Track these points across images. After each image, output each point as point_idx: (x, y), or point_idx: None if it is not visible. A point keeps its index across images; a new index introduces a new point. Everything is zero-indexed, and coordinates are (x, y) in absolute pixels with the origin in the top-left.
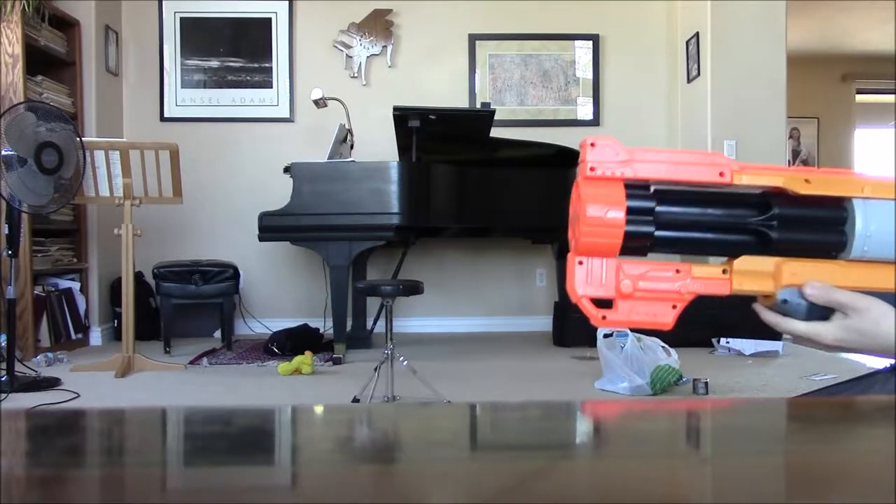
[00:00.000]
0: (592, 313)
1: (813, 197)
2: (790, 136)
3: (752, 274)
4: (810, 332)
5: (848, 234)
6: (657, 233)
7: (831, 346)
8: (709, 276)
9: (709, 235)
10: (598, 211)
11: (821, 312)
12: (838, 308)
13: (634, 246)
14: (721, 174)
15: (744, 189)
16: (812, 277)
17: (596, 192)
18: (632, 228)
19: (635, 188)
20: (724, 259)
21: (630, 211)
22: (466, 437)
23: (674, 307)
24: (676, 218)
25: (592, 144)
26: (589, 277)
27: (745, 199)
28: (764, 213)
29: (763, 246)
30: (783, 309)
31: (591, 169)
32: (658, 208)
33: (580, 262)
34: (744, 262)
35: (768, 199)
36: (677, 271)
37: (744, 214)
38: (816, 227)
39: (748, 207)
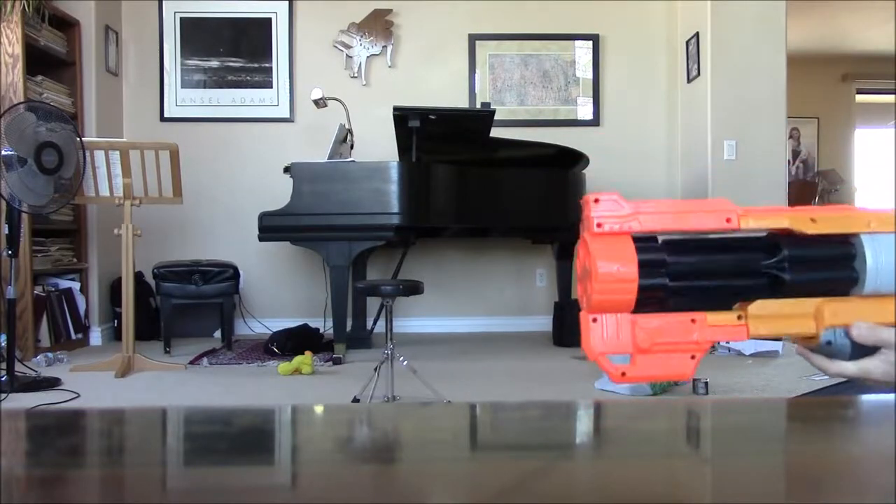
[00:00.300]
0: (612, 371)
1: (820, 236)
2: (790, 136)
3: (768, 318)
4: (860, 371)
5: (859, 271)
6: (671, 283)
7: (879, 382)
8: (725, 324)
9: (721, 282)
10: (609, 267)
11: (863, 351)
12: (883, 345)
13: (648, 299)
14: (728, 220)
15: (750, 234)
16: (853, 317)
17: (606, 247)
18: (645, 282)
19: (644, 241)
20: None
21: (642, 264)
22: (466, 437)
23: (692, 357)
24: (688, 267)
25: (596, 200)
26: (605, 334)
27: (753, 243)
28: (774, 256)
29: (775, 288)
30: (827, 350)
31: (599, 225)
32: (668, 259)
33: (594, 320)
34: (759, 307)
35: (777, 240)
36: (693, 321)
37: (754, 258)
38: (828, 265)
39: (757, 251)
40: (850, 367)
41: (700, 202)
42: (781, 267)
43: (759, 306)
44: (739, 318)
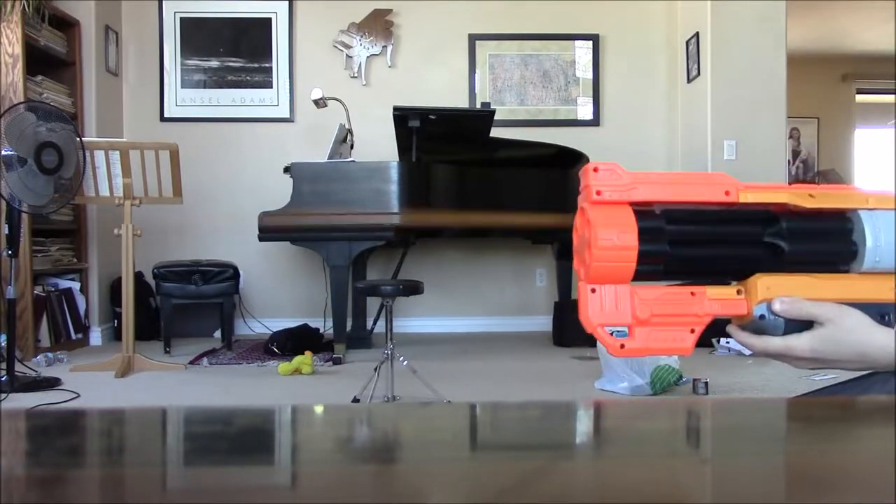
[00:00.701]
0: (610, 343)
1: (818, 211)
2: (790, 136)
3: (767, 292)
4: (784, 346)
5: (858, 245)
6: (671, 251)
7: (806, 360)
8: (725, 297)
9: (721, 251)
10: (609, 234)
11: (798, 327)
12: (811, 319)
13: (648, 269)
14: (727, 193)
15: (749, 207)
16: (786, 291)
17: (605, 215)
18: (645, 248)
19: (643, 210)
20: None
21: (642, 232)
22: (466, 437)
23: (692, 331)
24: (687, 236)
25: (595, 169)
26: (603, 305)
27: (752, 216)
28: (773, 227)
29: (775, 260)
30: (759, 326)
31: (598, 193)
32: (668, 227)
33: (593, 290)
34: (759, 281)
35: (775, 214)
36: (692, 294)
37: (753, 229)
38: (827, 239)
39: (756, 223)
40: (776, 343)
41: (700, 175)
42: (780, 238)
43: (758, 280)
44: (739, 292)
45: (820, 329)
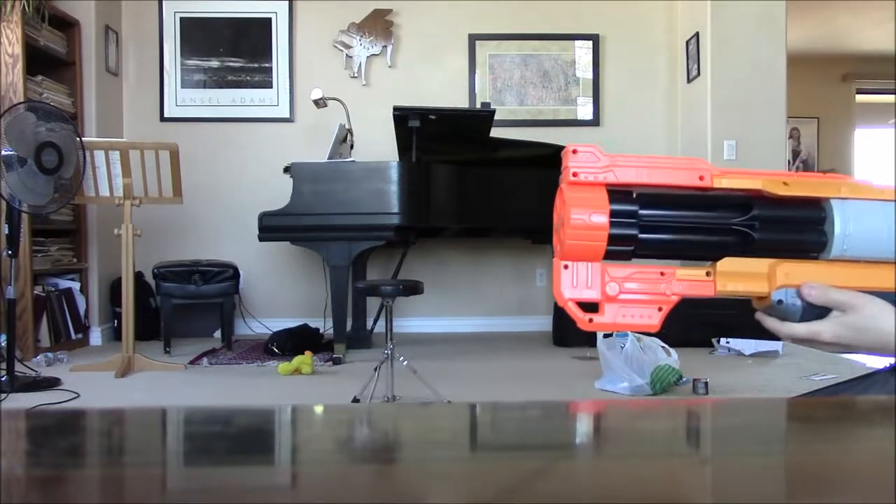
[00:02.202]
0: (579, 316)
1: (792, 199)
2: (790, 136)
3: (736, 275)
4: (809, 332)
5: (828, 234)
6: (641, 235)
7: (830, 345)
8: (693, 279)
9: (691, 237)
10: (582, 214)
11: (816, 312)
12: (836, 307)
13: (618, 249)
14: (701, 178)
15: (724, 193)
16: (806, 278)
17: (580, 196)
18: (616, 231)
19: (618, 192)
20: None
21: (614, 214)
22: (466, 437)
23: (659, 309)
24: (659, 221)
25: (574, 151)
26: (575, 281)
27: (725, 202)
28: (744, 214)
29: (745, 247)
30: (778, 311)
31: (574, 175)
32: (641, 211)
33: (565, 267)
34: (727, 264)
35: (749, 200)
36: (662, 273)
37: (725, 216)
38: (797, 227)
39: (729, 209)
40: (800, 329)
41: (677, 159)
42: (751, 226)
43: (727, 263)
44: (708, 273)
45: (844, 316)
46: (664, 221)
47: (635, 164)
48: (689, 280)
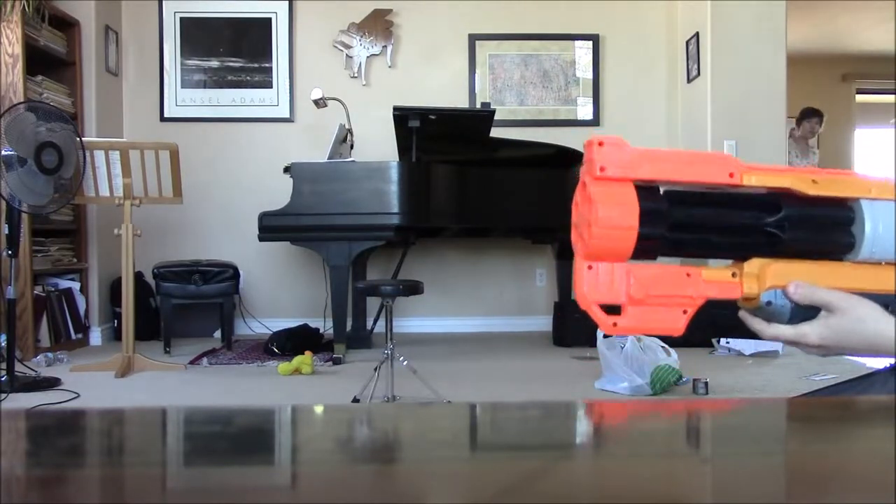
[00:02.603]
0: (603, 320)
1: (820, 198)
2: (790, 136)
3: (762, 277)
4: (795, 334)
5: (856, 236)
6: (669, 234)
7: (816, 347)
8: (719, 280)
9: (720, 238)
10: (610, 212)
11: (804, 315)
12: (823, 307)
13: (645, 248)
14: (731, 175)
15: (751, 190)
16: (796, 277)
17: (607, 192)
18: (645, 230)
19: (646, 189)
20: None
21: (643, 213)
22: (466, 437)
23: (684, 312)
24: (687, 219)
25: (601, 143)
26: (598, 283)
27: (753, 200)
28: (774, 214)
29: (773, 248)
30: (767, 312)
31: (602, 169)
32: (670, 209)
33: (590, 267)
34: (754, 266)
35: (777, 199)
36: (688, 275)
37: (754, 215)
38: (826, 228)
39: (757, 208)
40: (787, 331)
41: (704, 155)
42: (780, 226)
43: (753, 265)
44: (734, 275)
45: (831, 317)
46: (693, 220)
47: (663, 159)
48: (715, 281)
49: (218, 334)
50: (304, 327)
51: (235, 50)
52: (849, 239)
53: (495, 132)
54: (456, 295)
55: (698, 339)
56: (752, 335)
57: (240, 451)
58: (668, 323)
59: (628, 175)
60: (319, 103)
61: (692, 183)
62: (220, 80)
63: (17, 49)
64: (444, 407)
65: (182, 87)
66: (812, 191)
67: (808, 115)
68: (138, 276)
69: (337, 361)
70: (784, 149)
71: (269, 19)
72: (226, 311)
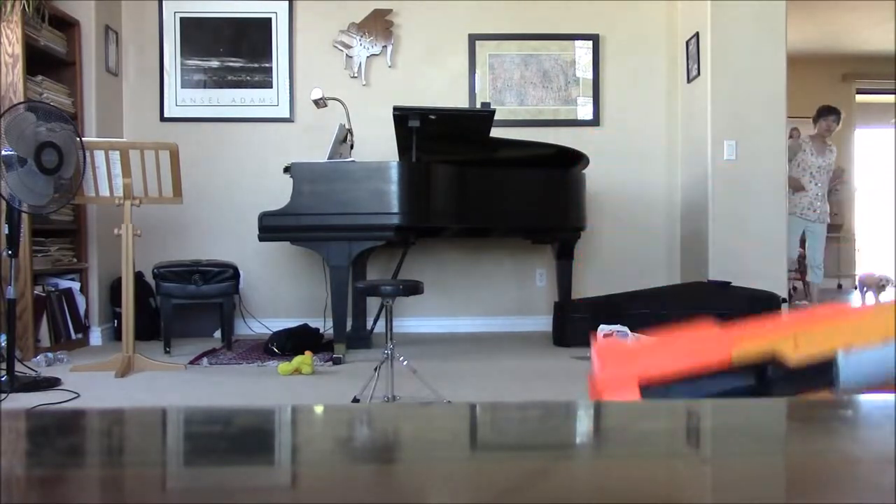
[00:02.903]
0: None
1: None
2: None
3: None
4: None
5: (835, 377)
6: None
7: None
8: None
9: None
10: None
11: None
12: None
13: None
14: (722, 359)
15: (740, 365)
16: None
17: (614, 392)
18: None
19: (648, 386)
20: None
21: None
22: (466, 437)
23: None
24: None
25: (605, 344)
26: None
27: (741, 374)
28: (760, 380)
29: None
30: None
31: (604, 369)
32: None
33: None
34: None
35: (763, 365)
36: None
37: (743, 385)
38: (807, 382)
39: (746, 377)
40: None
41: (695, 339)
42: (766, 389)
43: None
44: None
45: None
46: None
47: (660, 354)
48: None
49: (218, 334)
50: (304, 327)
51: (235, 50)
52: (829, 379)
53: (495, 132)
54: (456, 295)
55: None
56: None
57: (240, 451)
58: None
59: (631, 373)
60: (319, 103)
61: (689, 368)
62: (220, 80)
63: (17, 49)
64: (444, 407)
65: (182, 87)
66: (794, 354)
67: (824, 114)
68: (138, 276)
69: (337, 361)
70: (784, 149)
71: (269, 19)
72: (226, 311)
